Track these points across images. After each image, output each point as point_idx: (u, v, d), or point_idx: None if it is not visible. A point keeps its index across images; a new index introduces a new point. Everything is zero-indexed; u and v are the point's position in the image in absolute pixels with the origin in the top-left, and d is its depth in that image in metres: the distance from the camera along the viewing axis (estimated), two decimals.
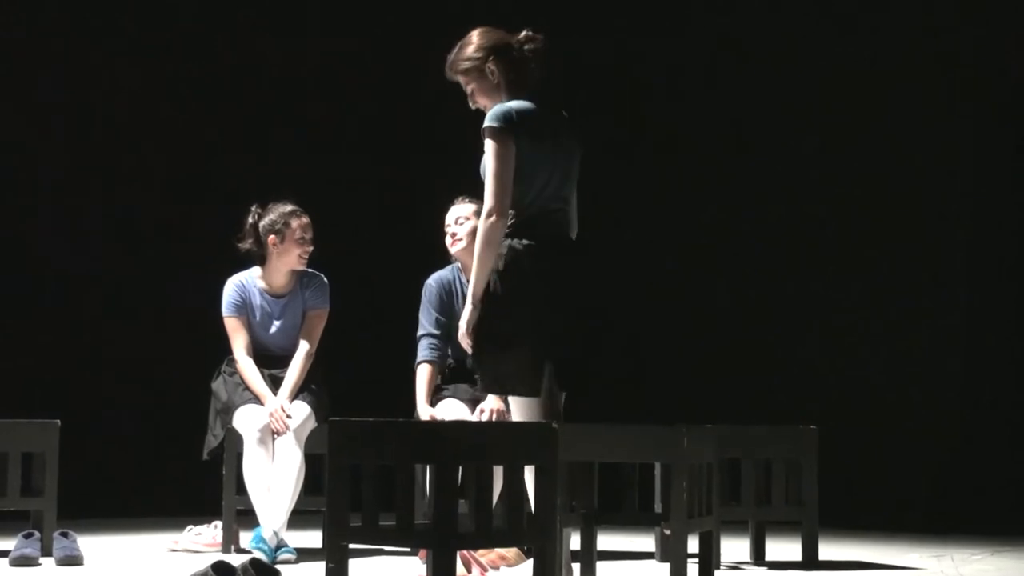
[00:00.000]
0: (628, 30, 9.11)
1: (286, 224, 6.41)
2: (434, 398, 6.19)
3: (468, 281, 6.14)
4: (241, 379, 6.36)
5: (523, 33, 4.97)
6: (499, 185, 4.78)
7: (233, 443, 6.32)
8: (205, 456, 6.46)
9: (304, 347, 6.42)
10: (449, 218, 6.26)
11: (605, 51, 9.10)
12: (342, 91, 9.13)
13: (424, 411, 6.12)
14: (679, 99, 9.06)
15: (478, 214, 6.00)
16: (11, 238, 8.23)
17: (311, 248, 6.47)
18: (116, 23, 8.60)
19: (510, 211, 4.79)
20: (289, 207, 6.46)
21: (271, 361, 6.44)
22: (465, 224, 6.18)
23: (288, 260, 6.44)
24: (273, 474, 6.13)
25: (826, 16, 8.63)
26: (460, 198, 6.26)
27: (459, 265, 6.28)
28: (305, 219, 6.45)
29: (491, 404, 5.93)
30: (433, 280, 6.27)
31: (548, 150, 4.88)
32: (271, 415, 6.20)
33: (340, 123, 9.13)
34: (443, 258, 6.36)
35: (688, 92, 9.05)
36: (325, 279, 6.55)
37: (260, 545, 5.95)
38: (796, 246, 8.63)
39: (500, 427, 5.15)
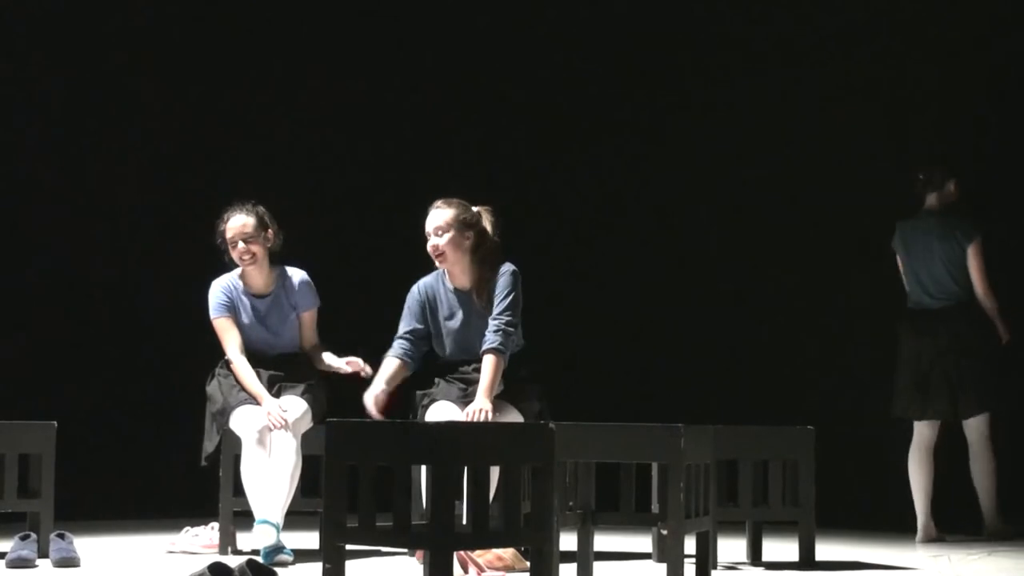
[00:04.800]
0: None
1: (222, 233, 6.38)
2: (424, 401, 6.10)
3: (454, 286, 6.12)
4: (236, 379, 6.32)
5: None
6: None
7: (230, 445, 6.30)
8: (203, 462, 6.41)
9: (312, 345, 6.45)
10: (428, 226, 6.03)
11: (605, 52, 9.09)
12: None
13: (369, 394, 5.99)
14: (676, 104, 9.06)
15: (458, 222, 5.97)
16: (10, 238, 8.23)
17: (245, 248, 6.33)
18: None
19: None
20: (224, 214, 6.39)
21: (266, 361, 6.40)
22: (444, 236, 5.99)
23: (242, 265, 6.41)
24: (270, 469, 6.10)
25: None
26: (438, 202, 6.06)
27: (444, 272, 6.11)
28: (231, 222, 6.34)
29: (480, 405, 5.88)
30: (417, 288, 6.14)
31: (915, 252, 7.26)
32: (268, 415, 6.17)
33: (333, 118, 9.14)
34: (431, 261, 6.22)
35: (689, 98, 9.04)
36: (305, 275, 6.48)
37: (265, 521, 5.92)
38: (794, 247, 8.62)
39: (497, 427, 5.15)
